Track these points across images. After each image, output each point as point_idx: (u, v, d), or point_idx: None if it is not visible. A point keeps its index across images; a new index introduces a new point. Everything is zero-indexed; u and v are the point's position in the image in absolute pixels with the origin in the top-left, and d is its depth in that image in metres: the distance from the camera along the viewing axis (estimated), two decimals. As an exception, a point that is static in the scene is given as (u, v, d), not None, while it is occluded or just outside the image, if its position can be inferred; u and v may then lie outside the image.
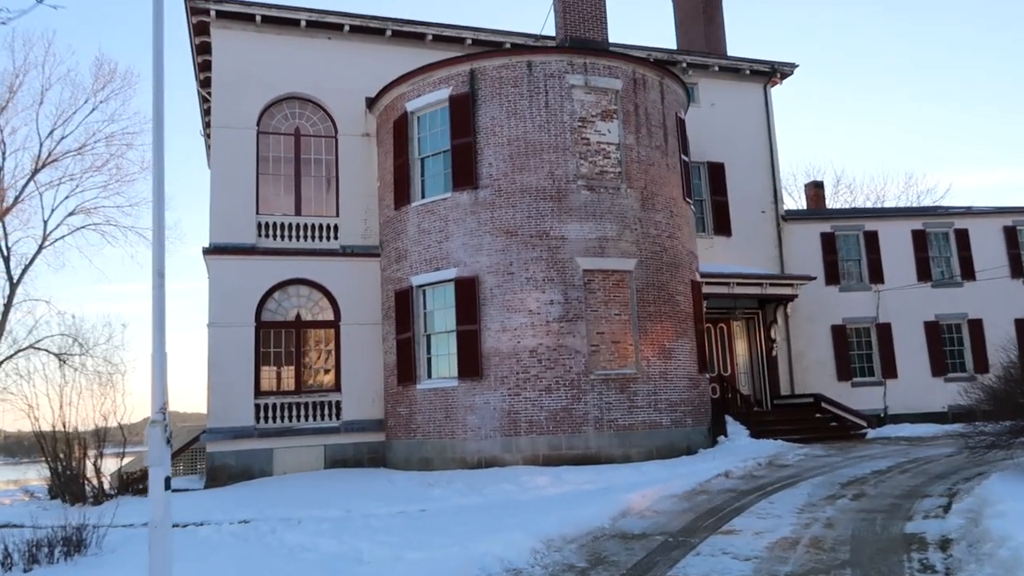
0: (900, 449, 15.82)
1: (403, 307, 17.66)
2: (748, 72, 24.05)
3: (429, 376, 17.18)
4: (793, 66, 24.37)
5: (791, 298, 21.81)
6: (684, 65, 22.96)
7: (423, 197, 17.79)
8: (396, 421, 17.67)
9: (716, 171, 23.24)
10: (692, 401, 17.23)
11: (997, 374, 12.43)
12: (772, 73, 24.32)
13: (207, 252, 17.97)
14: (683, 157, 19.00)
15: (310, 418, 18.02)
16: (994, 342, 24.25)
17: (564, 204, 16.66)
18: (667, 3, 37.69)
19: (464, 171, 17.05)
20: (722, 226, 22.98)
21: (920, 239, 24.74)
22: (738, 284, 20.81)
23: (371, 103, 19.49)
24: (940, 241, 25.02)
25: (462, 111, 17.31)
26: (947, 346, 24.45)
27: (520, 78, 17.15)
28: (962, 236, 24.99)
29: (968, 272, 24.77)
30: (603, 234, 16.73)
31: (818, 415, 20.89)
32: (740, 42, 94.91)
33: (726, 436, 18.13)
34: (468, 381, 16.27)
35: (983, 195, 79.18)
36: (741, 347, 22.44)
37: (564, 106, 17.08)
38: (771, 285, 21.39)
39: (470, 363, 16.25)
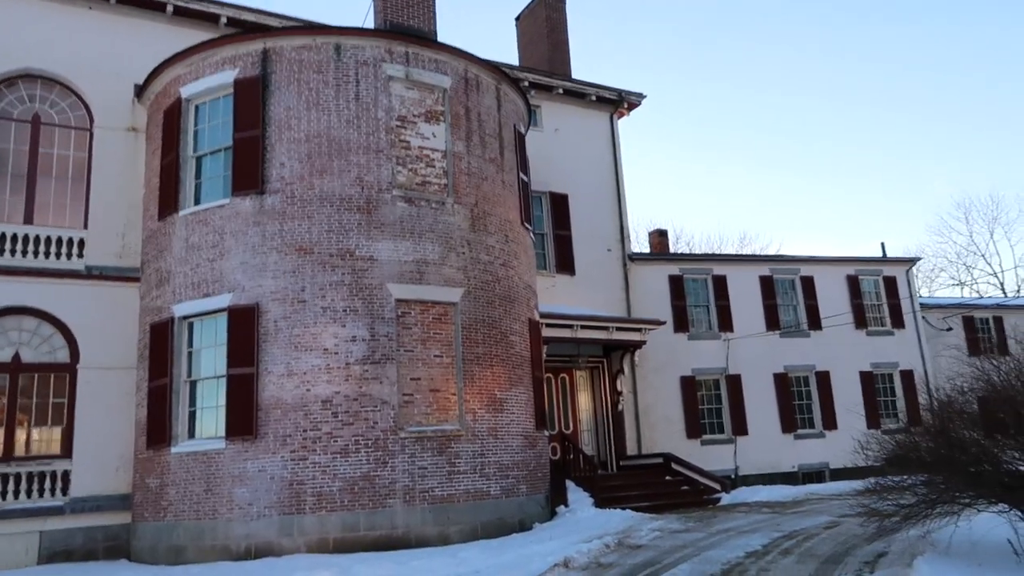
0: (766, 519, 13.43)
1: (160, 345, 13.55)
2: (594, 98, 22.07)
3: (191, 435, 13.09)
4: (641, 96, 22.70)
5: (639, 345, 19.49)
6: (526, 84, 20.58)
7: (196, 204, 13.93)
8: (144, 496, 13.35)
9: (559, 203, 20.83)
10: (527, 464, 14.15)
11: (889, 426, 10.18)
12: (619, 102, 22.49)
13: None
14: (522, 176, 16.32)
15: (22, 495, 13.30)
16: (841, 396, 23.19)
17: (375, 217, 13.38)
18: (511, 28, 35.99)
19: (247, 171, 13.42)
20: (565, 263, 20.46)
21: (768, 286, 23.42)
22: (583, 327, 18.20)
23: (141, 91, 15.50)
24: (787, 288, 23.83)
25: (250, 99, 13.77)
26: (796, 400, 23.01)
27: (325, 63, 13.90)
28: (808, 284, 23.94)
29: (815, 322, 23.66)
30: (423, 256, 13.55)
31: (668, 478, 18.45)
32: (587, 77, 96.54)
33: (567, 506, 15.15)
34: (239, 442, 12.35)
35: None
36: (585, 400, 19.78)
37: (379, 100, 13.96)
38: (618, 329, 18.97)
39: (242, 418, 12.38)
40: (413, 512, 12.35)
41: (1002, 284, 45.06)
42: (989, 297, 38.28)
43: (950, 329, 26.28)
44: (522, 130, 16.88)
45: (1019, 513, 7.96)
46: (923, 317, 25.53)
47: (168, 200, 14.14)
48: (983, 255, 52.76)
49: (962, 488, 7.76)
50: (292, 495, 12.02)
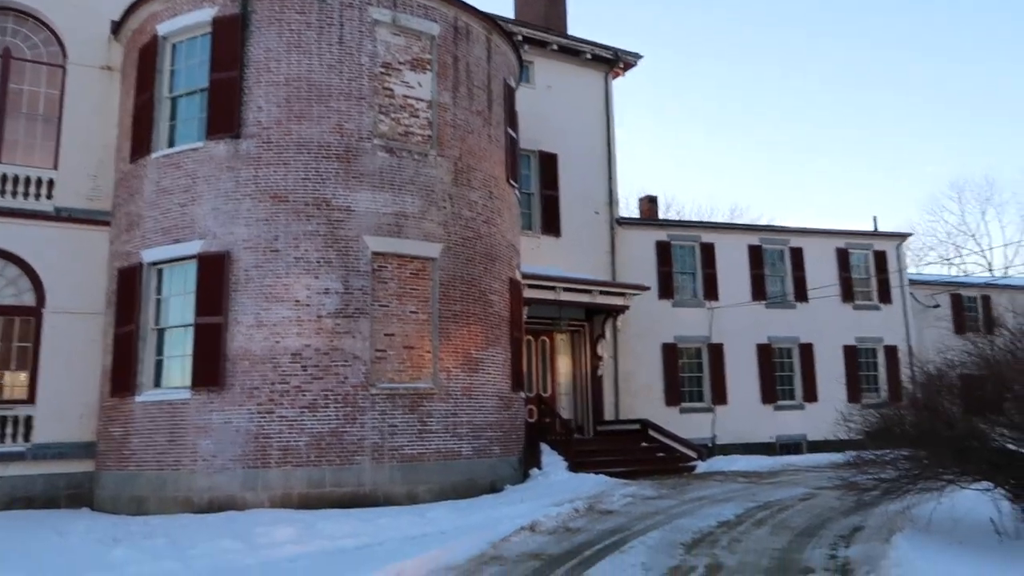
0: (741, 488, 13.27)
1: (128, 291, 13.13)
2: (589, 56, 21.48)
3: (157, 384, 12.74)
4: (637, 56, 22.12)
5: (622, 310, 19.19)
6: (519, 38, 19.95)
7: (169, 146, 13.43)
8: (108, 445, 13.03)
9: (548, 162, 20.36)
10: (502, 425, 13.91)
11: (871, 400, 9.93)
12: (615, 61, 21.92)
13: None
14: (510, 131, 15.84)
15: (-18, 438, 12.98)
16: (824, 369, 23.03)
17: (354, 167, 12.92)
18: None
19: (223, 114, 12.90)
20: (551, 225, 20.08)
21: (756, 255, 23.10)
22: (565, 290, 17.86)
23: (117, 27, 14.85)
24: (775, 259, 23.51)
25: (229, 38, 13.19)
26: (778, 371, 22.85)
27: (309, 3, 13.30)
28: (797, 255, 23.64)
29: (801, 293, 23.42)
30: (402, 209, 13.13)
31: (645, 444, 18.28)
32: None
33: (540, 468, 14.96)
34: (205, 392, 12.02)
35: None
36: (564, 364, 19.52)
37: (363, 45, 13.40)
38: (602, 293, 18.65)
39: (209, 368, 12.03)
40: (381, 470, 12.10)
41: (989, 264, 45.03)
42: (979, 276, 38.18)
43: (937, 306, 26.11)
44: (512, 84, 16.36)
45: (1003, 492, 7.74)
46: (911, 293, 25.32)
47: (141, 142, 13.62)
48: (973, 235, 52.62)
49: (947, 464, 7.51)
50: (257, 448, 11.74)
